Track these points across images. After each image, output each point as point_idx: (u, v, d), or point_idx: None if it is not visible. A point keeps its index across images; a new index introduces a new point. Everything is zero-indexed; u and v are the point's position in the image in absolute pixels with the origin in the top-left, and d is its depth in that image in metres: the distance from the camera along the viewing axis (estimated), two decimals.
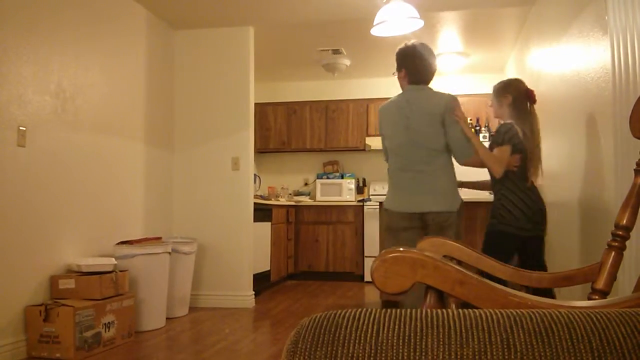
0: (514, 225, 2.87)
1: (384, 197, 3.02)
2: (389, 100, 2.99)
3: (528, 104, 3.00)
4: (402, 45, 2.95)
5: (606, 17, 2.34)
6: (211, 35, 4.89)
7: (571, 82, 3.13)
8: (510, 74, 5.88)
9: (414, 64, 2.87)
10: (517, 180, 2.91)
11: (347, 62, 5.99)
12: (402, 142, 2.82)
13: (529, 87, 3.07)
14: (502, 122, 3.03)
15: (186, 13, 4.57)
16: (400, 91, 2.98)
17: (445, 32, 5.11)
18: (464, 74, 6.59)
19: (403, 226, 2.81)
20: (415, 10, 3.75)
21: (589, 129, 2.79)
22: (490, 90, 7.09)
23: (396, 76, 2.99)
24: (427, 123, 2.78)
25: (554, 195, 3.67)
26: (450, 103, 2.81)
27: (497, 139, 2.89)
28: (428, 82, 2.91)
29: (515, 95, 3.00)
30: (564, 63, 3.32)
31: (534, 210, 2.89)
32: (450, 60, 5.88)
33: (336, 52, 5.74)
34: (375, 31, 3.98)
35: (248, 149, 4.82)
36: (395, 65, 2.96)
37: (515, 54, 5.48)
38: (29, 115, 3.15)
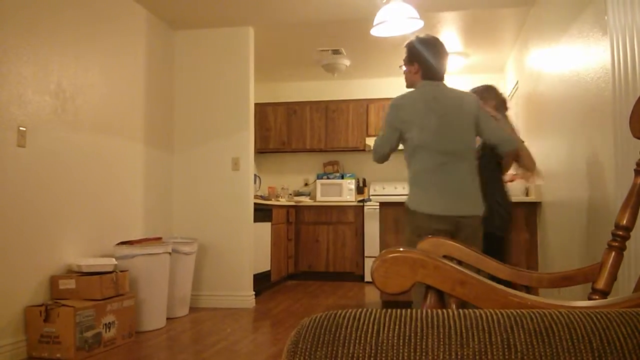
0: (500, 225, 2.91)
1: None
2: (404, 94, 2.70)
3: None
4: (415, 38, 2.72)
5: (606, 17, 2.34)
6: (211, 36, 4.90)
7: (571, 82, 3.13)
8: (510, 74, 5.89)
9: (430, 59, 2.64)
10: (503, 182, 2.96)
11: (347, 62, 5.99)
12: (434, 140, 2.56)
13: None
14: None
15: (186, 13, 4.57)
16: (401, 86, 2.80)
17: (445, 33, 5.11)
18: (464, 74, 6.59)
19: (435, 229, 2.48)
20: (415, 11, 3.75)
21: (589, 129, 2.79)
22: None
23: (403, 69, 2.76)
24: (463, 123, 2.61)
25: (554, 195, 3.67)
26: (478, 101, 2.70)
27: None
28: (442, 79, 2.71)
29: (497, 101, 3.07)
30: (563, 63, 3.32)
31: (509, 211, 2.98)
32: (450, 61, 5.87)
33: (336, 52, 5.74)
34: (375, 31, 3.98)
35: (248, 149, 4.82)
36: (406, 58, 2.72)
37: (515, 54, 5.48)
38: (29, 115, 3.15)
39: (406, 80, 2.76)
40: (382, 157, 2.72)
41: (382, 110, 6.30)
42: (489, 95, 3.07)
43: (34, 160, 3.18)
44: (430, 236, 2.47)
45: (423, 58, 2.65)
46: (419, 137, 2.57)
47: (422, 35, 2.75)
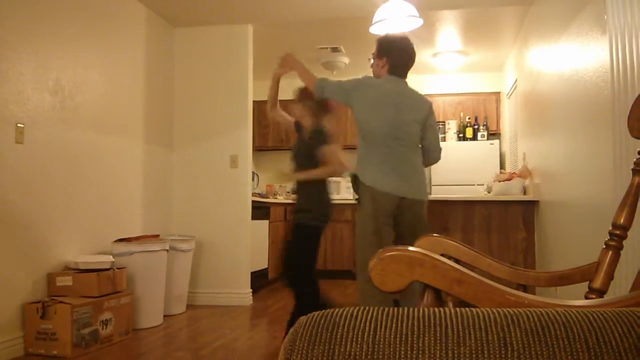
0: (316, 217, 3.31)
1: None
2: (376, 79, 2.87)
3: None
4: (387, 34, 2.92)
5: (605, 17, 2.34)
6: (210, 33, 4.89)
7: (570, 81, 3.14)
8: (509, 72, 5.89)
9: (399, 56, 2.82)
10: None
11: (346, 60, 5.98)
12: (387, 129, 2.75)
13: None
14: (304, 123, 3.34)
15: (185, 10, 4.56)
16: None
17: (445, 31, 5.11)
18: (463, 72, 6.59)
19: (390, 209, 2.71)
20: (415, 9, 3.75)
21: (588, 129, 2.79)
22: (489, 89, 7.08)
23: (371, 62, 2.93)
24: (415, 120, 2.81)
25: (552, 194, 3.68)
26: (431, 108, 2.93)
27: (326, 140, 3.20)
28: (405, 77, 2.89)
29: (314, 102, 3.26)
30: (563, 62, 3.32)
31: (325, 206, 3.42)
32: (450, 59, 5.88)
33: (335, 50, 5.73)
34: (374, 29, 3.97)
35: (246, 147, 4.81)
36: (376, 51, 2.88)
37: (515, 52, 5.49)
38: (27, 112, 3.14)
39: (373, 72, 2.93)
40: (323, 96, 2.96)
41: None
42: (307, 96, 3.27)
43: (31, 157, 3.17)
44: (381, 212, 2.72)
45: (392, 54, 2.82)
46: (373, 124, 2.76)
47: (396, 33, 2.93)
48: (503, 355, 0.52)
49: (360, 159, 2.82)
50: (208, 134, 4.86)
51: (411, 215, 2.77)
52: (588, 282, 1.19)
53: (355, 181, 2.80)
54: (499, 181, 4.48)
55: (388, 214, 2.73)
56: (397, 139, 2.75)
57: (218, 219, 4.77)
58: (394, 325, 0.56)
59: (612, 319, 0.55)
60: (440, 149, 2.96)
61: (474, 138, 6.45)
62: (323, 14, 4.58)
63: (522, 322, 0.55)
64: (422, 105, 2.86)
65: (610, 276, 1.15)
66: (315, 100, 3.18)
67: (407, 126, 2.78)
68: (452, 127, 6.51)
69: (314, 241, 3.21)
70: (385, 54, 2.83)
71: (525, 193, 4.41)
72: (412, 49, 2.86)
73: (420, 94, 2.94)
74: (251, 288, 4.82)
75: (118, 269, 3.46)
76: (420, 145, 2.89)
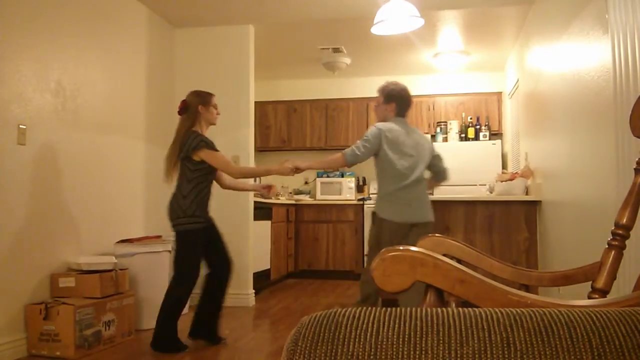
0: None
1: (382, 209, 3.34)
2: (386, 123, 3.32)
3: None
4: (391, 83, 3.43)
5: (607, 16, 2.33)
6: (211, 34, 4.89)
7: (571, 81, 3.13)
8: (511, 72, 5.89)
9: (404, 101, 3.40)
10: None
11: (348, 60, 5.98)
12: (406, 166, 3.25)
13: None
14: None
15: (187, 11, 4.57)
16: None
17: (446, 31, 5.11)
18: (465, 72, 6.58)
19: (402, 234, 3.23)
20: (416, 9, 3.75)
21: (590, 128, 2.79)
22: (490, 89, 7.08)
23: (378, 107, 3.43)
24: (424, 155, 3.36)
25: (554, 193, 3.67)
26: (432, 143, 3.56)
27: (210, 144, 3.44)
28: (405, 117, 3.44)
29: (200, 100, 3.65)
30: (564, 62, 3.31)
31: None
32: (451, 59, 5.87)
33: (336, 50, 5.73)
34: (375, 30, 3.97)
35: (248, 148, 4.81)
36: (383, 98, 3.40)
37: (516, 52, 5.48)
38: (29, 113, 3.15)
39: (379, 116, 3.43)
40: (355, 163, 3.40)
41: None
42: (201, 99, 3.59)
43: (34, 158, 3.18)
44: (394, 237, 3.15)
45: (399, 99, 3.38)
46: (396, 163, 3.24)
47: (395, 82, 3.44)
48: (506, 356, 0.52)
49: (380, 194, 3.33)
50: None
51: (419, 233, 3.13)
52: (591, 282, 1.18)
53: (374, 214, 3.33)
54: (501, 181, 4.48)
55: (399, 236, 3.23)
56: (413, 173, 3.26)
57: (220, 220, 4.73)
58: (396, 325, 0.56)
59: (615, 319, 0.55)
60: (447, 169, 3.54)
61: (476, 138, 6.44)
62: (324, 15, 4.59)
63: (525, 322, 0.55)
64: (427, 144, 3.45)
65: (613, 276, 1.15)
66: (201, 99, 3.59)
67: (419, 163, 3.31)
68: (453, 127, 6.50)
69: None
70: (393, 100, 3.38)
71: (527, 193, 4.40)
72: (410, 95, 3.46)
73: (422, 134, 3.53)
74: (253, 289, 4.82)
75: (120, 270, 3.46)
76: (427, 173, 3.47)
